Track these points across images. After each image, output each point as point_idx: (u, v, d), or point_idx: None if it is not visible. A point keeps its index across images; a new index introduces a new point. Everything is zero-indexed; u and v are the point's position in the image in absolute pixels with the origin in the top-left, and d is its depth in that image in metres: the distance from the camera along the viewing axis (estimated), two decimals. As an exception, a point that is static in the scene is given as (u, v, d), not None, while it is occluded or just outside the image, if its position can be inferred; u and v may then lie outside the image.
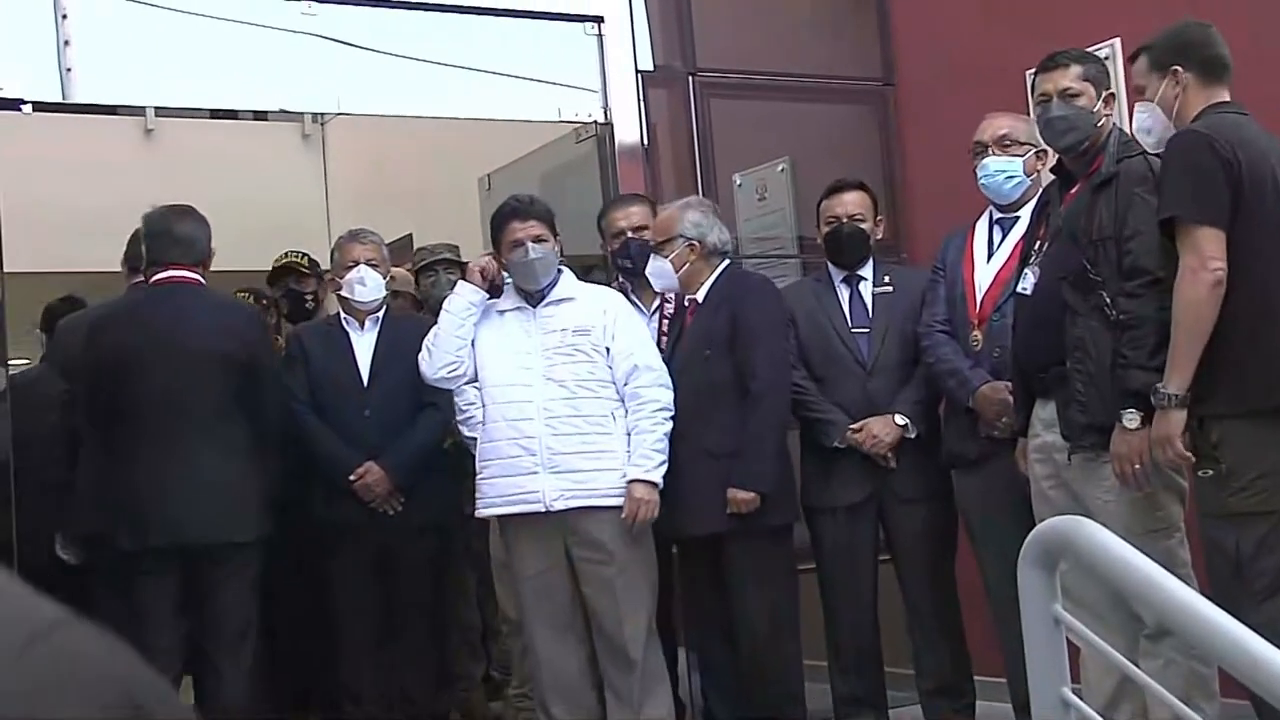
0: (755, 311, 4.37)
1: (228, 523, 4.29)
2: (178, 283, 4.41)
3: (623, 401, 4.25)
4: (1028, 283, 3.83)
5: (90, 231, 7.51)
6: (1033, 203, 4.09)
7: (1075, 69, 3.76)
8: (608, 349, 4.26)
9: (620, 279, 4.86)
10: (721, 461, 4.26)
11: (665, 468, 4.20)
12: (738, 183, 6.01)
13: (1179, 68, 3.49)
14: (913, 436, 4.47)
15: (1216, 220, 3.28)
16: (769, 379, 4.31)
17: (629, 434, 4.23)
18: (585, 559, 4.22)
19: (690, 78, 5.83)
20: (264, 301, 5.54)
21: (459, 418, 4.64)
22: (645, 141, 5.76)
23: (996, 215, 4.41)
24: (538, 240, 4.28)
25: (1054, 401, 3.70)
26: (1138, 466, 3.43)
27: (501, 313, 4.35)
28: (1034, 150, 4.31)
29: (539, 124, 5.79)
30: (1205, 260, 3.26)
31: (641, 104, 5.71)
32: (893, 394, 4.53)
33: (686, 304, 4.53)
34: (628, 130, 5.71)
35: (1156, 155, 3.54)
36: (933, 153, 5.85)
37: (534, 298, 4.33)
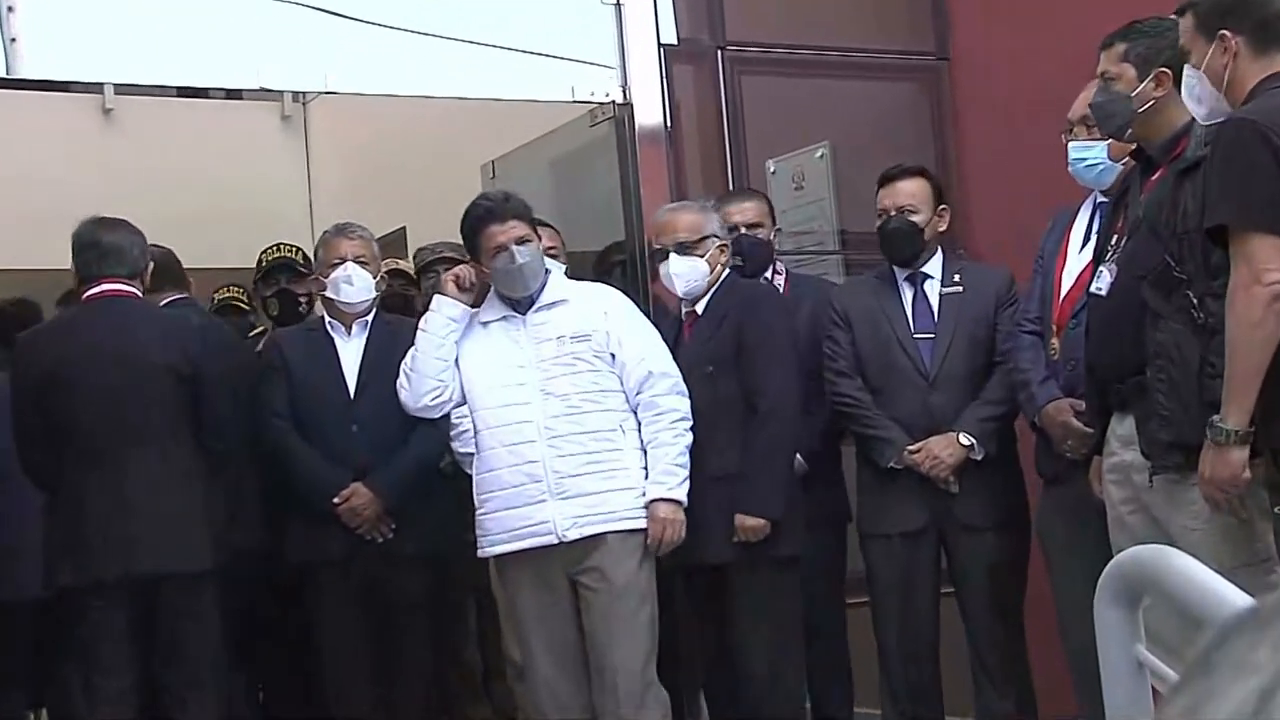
0: (763, 323, 4.43)
1: (180, 551, 4.38)
2: (112, 296, 4.52)
3: (633, 412, 4.27)
4: (1103, 282, 3.81)
5: (40, 224, 7.54)
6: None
7: (1118, 48, 3.77)
8: (613, 355, 4.28)
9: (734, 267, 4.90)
10: (725, 486, 4.28)
11: (688, 485, 4.24)
12: (771, 170, 6.02)
13: (1227, 31, 3.37)
14: (979, 458, 4.46)
15: (1274, 225, 3.20)
16: (778, 397, 4.35)
17: (644, 448, 4.25)
18: (588, 587, 4.25)
19: (719, 52, 5.85)
20: (249, 303, 5.54)
21: (451, 433, 4.65)
22: (668, 124, 5.78)
23: (1099, 199, 4.33)
24: (521, 242, 4.29)
25: (1132, 416, 3.67)
26: (1230, 490, 3.40)
27: (485, 324, 4.37)
28: None
29: (550, 104, 5.80)
30: (1260, 272, 3.18)
31: (664, 82, 5.72)
32: (957, 409, 4.52)
33: (685, 315, 4.56)
34: (649, 111, 5.73)
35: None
36: (993, 135, 5.86)
37: (522, 304, 4.34)
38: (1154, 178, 3.74)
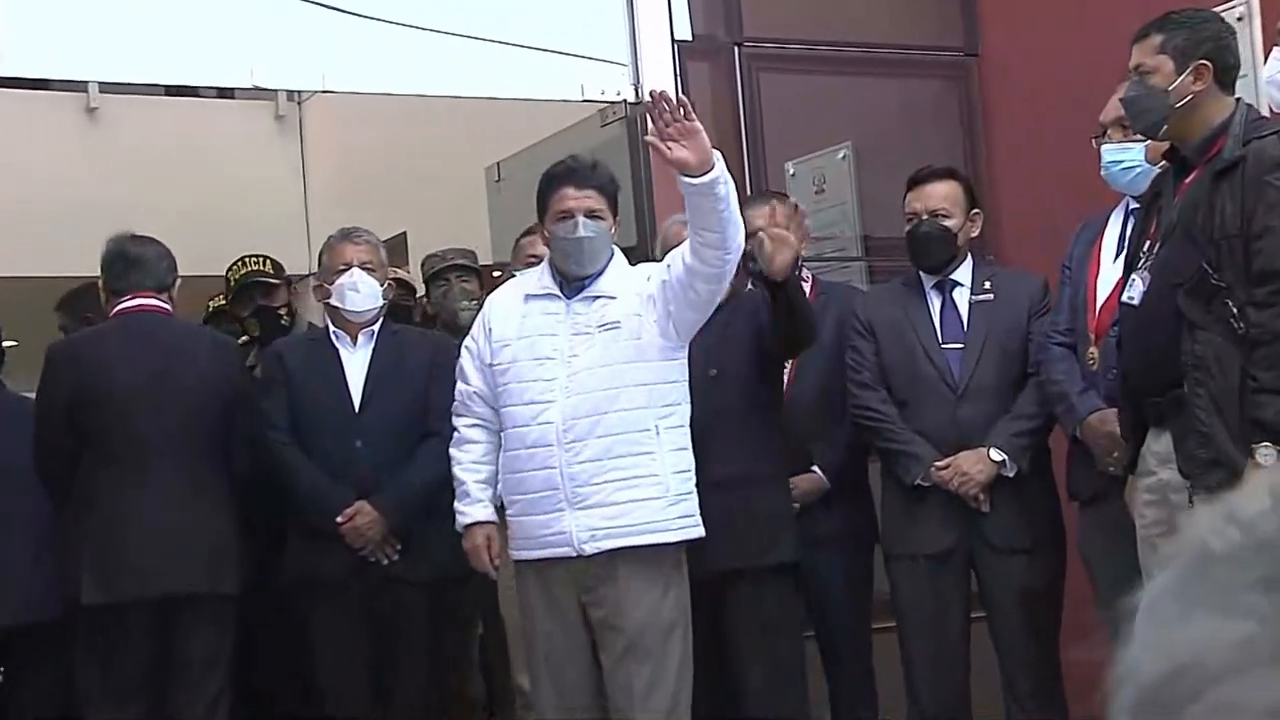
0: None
1: (205, 572, 4.50)
2: (145, 311, 4.66)
3: (667, 409, 4.14)
4: (1135, 291, 3.80)
5: (20, 230, 7.59)
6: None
7: (1154, 39, 3.72)
8: (666, 295, 4.09)
9: (751, 284, 4.92)
10: (725, 493, 4.28)
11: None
12: (791, 172, 6.04)
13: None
14: (1011, 474, 4.48)
15: None
16: None
17: (679, 447, 4.16)
18: (607, 624, 4.12)
19: (736, 49, 5.87)
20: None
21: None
22: (683, 124, 5.79)
23: (1132, 205, 4.32)
24: (592, 215, 4.16)
25: (1169, 432, 3.68)
26: None
27: (528, 297, 4.23)
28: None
29: (558, 104, 5.83)
30: None
31: (679, 80, 5.73)
32: (988, 423, 4.53)
33: None
34: (662, 111, 5.74)
35: None
36: (1023, 135, 5.88)
37: (571, 287, 4.19)
38: (1189, 180, 3.71)
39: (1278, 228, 3.45)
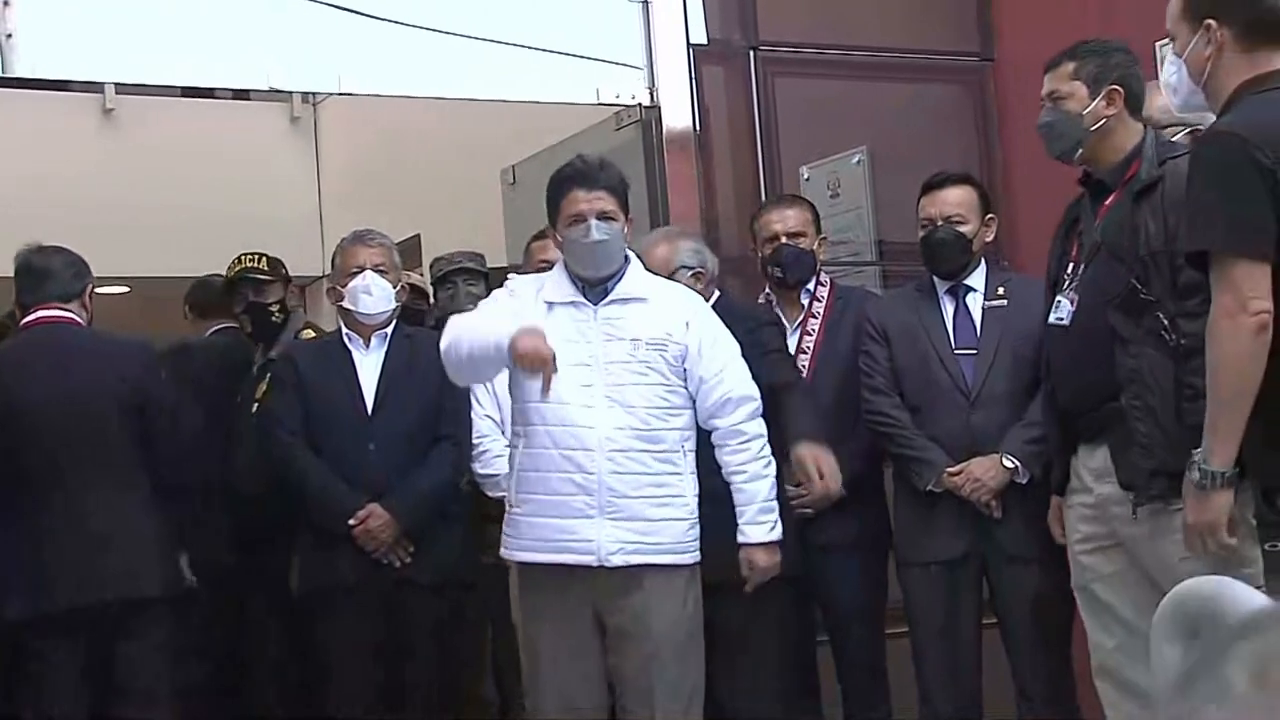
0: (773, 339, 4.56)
1: (130, 578, 4.52)
2: (50, 323, 4.66)
3: (694, 433, 4.12)
4: (1063, 311, 3.87)
5: (37, 230, 7.58)
6: None
7: (1067, 67, 3.89)
8: (687, 369, 4.09)
9: (769, 289, 4.91)
10: (715, 506, 4.22)
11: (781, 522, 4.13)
12: (805, 176, 6.03)
13: (1213, 21, 3.31)
14: (1024, 482, 4.47)
15: (1258, 251, 3.12)
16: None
17: (732, 479, 4.11)
18: (624, 632, 4.09)
19: (751, 53, 5.86)
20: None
21: (473, 453, 4.67)
22: (698, 128, 5.80)
23: None
24: (604, 217, 4.08)
25: (1105, 447, 3.72)
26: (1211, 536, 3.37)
27: (550, 305, 4.12)
28: (1185, 130, 4.26)
29: (573, 107, 5.83)
30: (1245, 301, 3.12)
31: (694, 84, 5.74)
32: (1001, 429, 4.51)
33: None
34: (677, 114, 5.75)
35: (1189, 138, 3.53)
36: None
37: (595, 292, 4.12)
38: (1108, 202, 3.82)
39: None
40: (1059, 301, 3.88)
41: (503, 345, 3.79)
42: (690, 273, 4.62)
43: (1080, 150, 3.86)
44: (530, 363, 3.77)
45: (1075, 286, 3.83)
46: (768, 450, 4.15)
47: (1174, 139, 4.09)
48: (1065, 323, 3.84)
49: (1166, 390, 3.53)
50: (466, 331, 3.96)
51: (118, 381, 4.61)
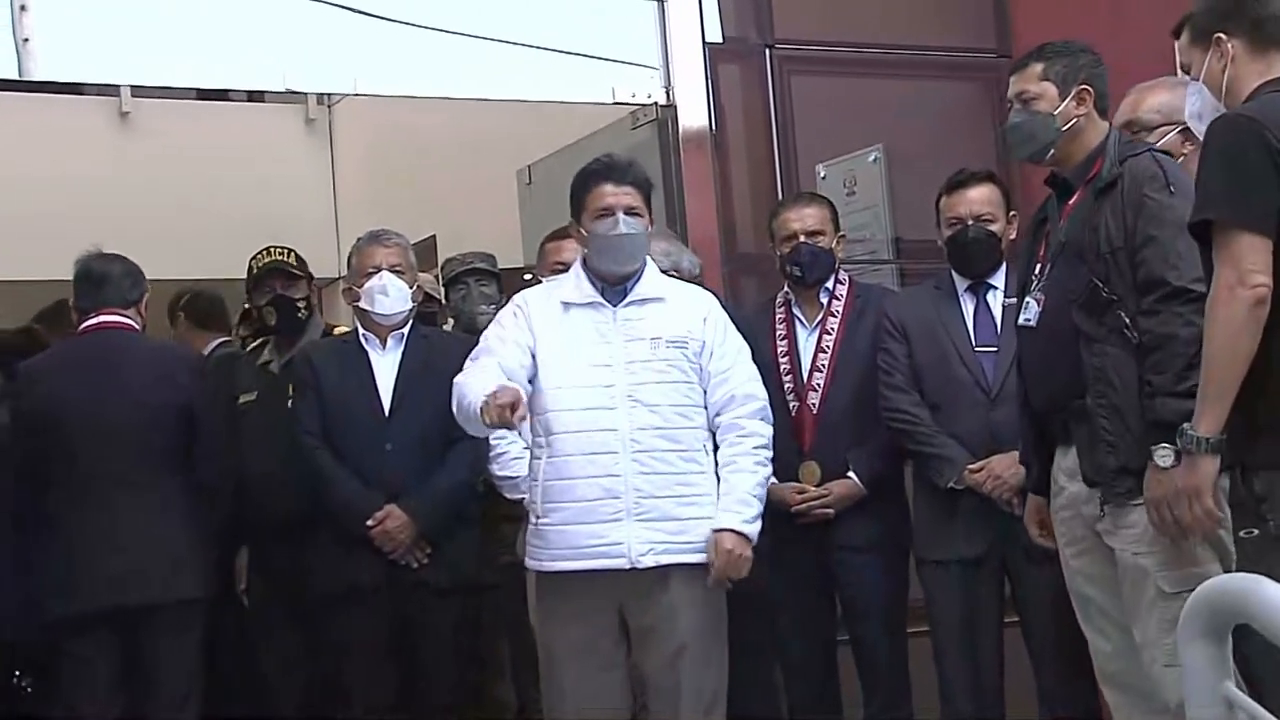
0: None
1: (167, 580, 4.56)
2: (108, 329, 4.72)
3: (712, 432, 4.13)
4: (1031, 313, 3.87)
5: (52, 233, 7.59)
6: None
7: (1035, 68, 3.89)
8: (701, 366, 4.10)
9: (788, 287, 4.89)
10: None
11: (760, 523, 4.09)
12: (821, 175, 6.02)
13: (1223, 35, 3.35)
14: (1044, 479, 4.45)
15: (1261, 225, 3.12)
16: None
17: (720, 471, 4.10)
18: (652, 629, 4.07)
19: (767, 51, 5.86)
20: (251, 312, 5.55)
21: (490, 454, 4.65)
22: (714, 127, 5.80)
23: None
24: (631, 212, 4.09)
25: (1075, 446, 3.73)
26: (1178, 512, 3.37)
27: (567, 306, 4.12)
28: (1177, 129, 4.25)
29: (589, 106, 5.83)
30: (1245, 274, 3.11)
31: (709, 83, 5.74)
32: (1022, 427, 4.51)
33: None
34: (693, 114, 5.75)
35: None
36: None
37: (614, 292, 4.12)
38: (1073, 201, 3.83)
39: (1158, 237, 3.55)
40: (1027, 302, 3.90)
41: (479, 412, 3.78)
42: (675, 276, 4.53)
43: (1052, 151, 3.87)
44: (495, 420, 3.73)
45: (1042, 287, 3.84)
46: (765, 453, 4.14)
47: (1165, 139, 4.09)
48: (1033, 323, 3.86)
49: (1130, 388, 3.55)
50: (458, 395, 3.98)
51: (171, 388, 4.69)
